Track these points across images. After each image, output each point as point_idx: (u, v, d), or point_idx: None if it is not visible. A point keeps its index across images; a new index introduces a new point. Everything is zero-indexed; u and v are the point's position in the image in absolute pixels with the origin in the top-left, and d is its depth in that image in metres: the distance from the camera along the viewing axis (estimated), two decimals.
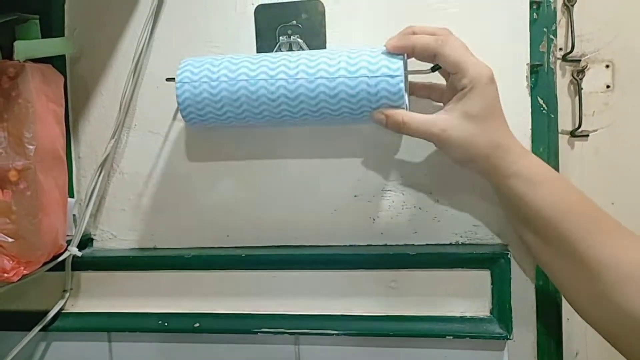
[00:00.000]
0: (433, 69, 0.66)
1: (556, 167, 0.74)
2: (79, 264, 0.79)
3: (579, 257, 0.59)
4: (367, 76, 0.61)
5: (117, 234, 0.82)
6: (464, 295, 0.72)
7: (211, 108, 0.66)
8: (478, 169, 0.64)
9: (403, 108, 0.63)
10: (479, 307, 0.72)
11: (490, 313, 0.72)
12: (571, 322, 0.78)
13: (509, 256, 0.70)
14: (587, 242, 0.59)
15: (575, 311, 0.64)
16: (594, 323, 0.61)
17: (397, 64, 0.61)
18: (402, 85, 0.61)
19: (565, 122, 0.77)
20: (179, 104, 0.67)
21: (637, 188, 0.77)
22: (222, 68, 0.66)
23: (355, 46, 0.73)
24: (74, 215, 0.80)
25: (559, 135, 0.76)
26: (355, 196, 0.76)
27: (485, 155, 0.62)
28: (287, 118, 0.66)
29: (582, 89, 0.77)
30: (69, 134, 0.80)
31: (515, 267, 0.73)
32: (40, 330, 0.79)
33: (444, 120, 0.62)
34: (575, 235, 0.60)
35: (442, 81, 0.71)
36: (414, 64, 0.68)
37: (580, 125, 0.77)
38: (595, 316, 0.61)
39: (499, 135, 0.62)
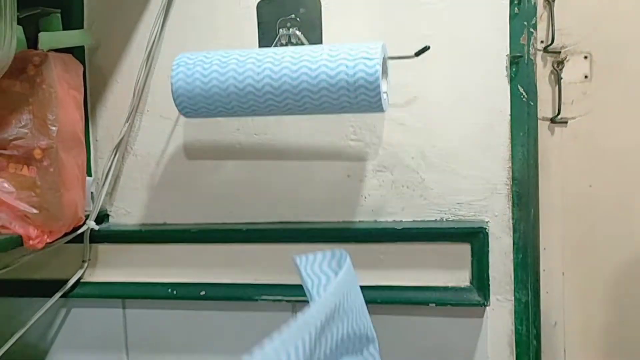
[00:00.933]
0: (417, 54, 0.71)
1: (535, 152, 0.79)
2: (96, 237, 0.87)
3: None
4: (346, 59, 0.65)
5: (130, 211, 0.89)
6: (447, 267, 0.78)
7: (202, 97, 0.70)
8: None
9: (379, 89, 0.66)
10: (460, 278, 0.78)
11: (470, 283, 0.78)
12: (550, 294, 0.84)
13: (487, 230, 0.76)
14: None
15: None
16: None
17: (375, 49, 0.66)
18: (379, 67, 0.65)
19: (546, 109, 0.83)
20: (172, 92, 0.71)
21: (613, 171, 0.82)
22: (214, 60, 0.70)
23: (349, 39, 0.80)
24: (91, 192, 0.87)
25: (541, 121, 0.82)
26: (348, 176, 0.82)
27: None
28: (270, 103, 0.69)
29: (561, 78, 0.82)
30: (87, 118, 0.87)
31: (494, 242, 0.78)
32: (60, 297, 0.86)
33: None
34: None
35: (426, 68, 0.77)
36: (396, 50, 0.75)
37: (559, 113, 0.82)
38: None
39: None
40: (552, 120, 0.83)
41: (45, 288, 0.87)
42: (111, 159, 0.86)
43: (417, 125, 0.80)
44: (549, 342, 0.84)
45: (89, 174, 0.87)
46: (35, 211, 0.72)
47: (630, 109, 0.81)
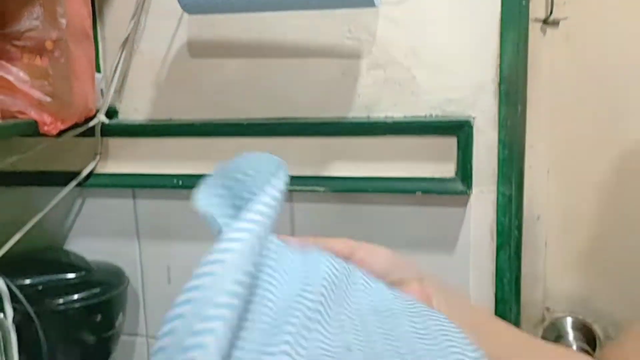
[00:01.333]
0: None
1: (525, 52, 0.82)
2: (107, 131, 0.92)
3: None
4: None
5: (138, 107, 0.94)
6: (434, 159, 0.83)
7: None
8: None
9: None
10: (446, 169, 0.83)
11: (455, 174, 0.83)
12: (534, 188, 0.88)
13: (472, 124, 0.80)
14: None
15: None
16: None
17: None
18: None
19: (538, 10, 0.85)
20: None
21: (603, 72, 0.85)
22: None
23: None
24: (101, 89, 0.92)
25: (533, 23, 0.84)
26: (343, 74, 0.86)
27: None
28: None
29: None
30: (95, 16, 0.91)
31: (480, 136, 0.82)
32: (75, 187, 0.93)
33: None
34: None
35: None
36: None
37: (551, 13, 0.84)
38: None
39: None
40: (545, 22, 0.85)
41: (60, 178, 0.93)
42: (118, 57, 0.90)
43: (409, 23, 0.82)
44: (532, 235, 0.90)
45: (98, 71, 0.92)
46: (48, 99, 0.77)
47: (620, 9, 0.83)
